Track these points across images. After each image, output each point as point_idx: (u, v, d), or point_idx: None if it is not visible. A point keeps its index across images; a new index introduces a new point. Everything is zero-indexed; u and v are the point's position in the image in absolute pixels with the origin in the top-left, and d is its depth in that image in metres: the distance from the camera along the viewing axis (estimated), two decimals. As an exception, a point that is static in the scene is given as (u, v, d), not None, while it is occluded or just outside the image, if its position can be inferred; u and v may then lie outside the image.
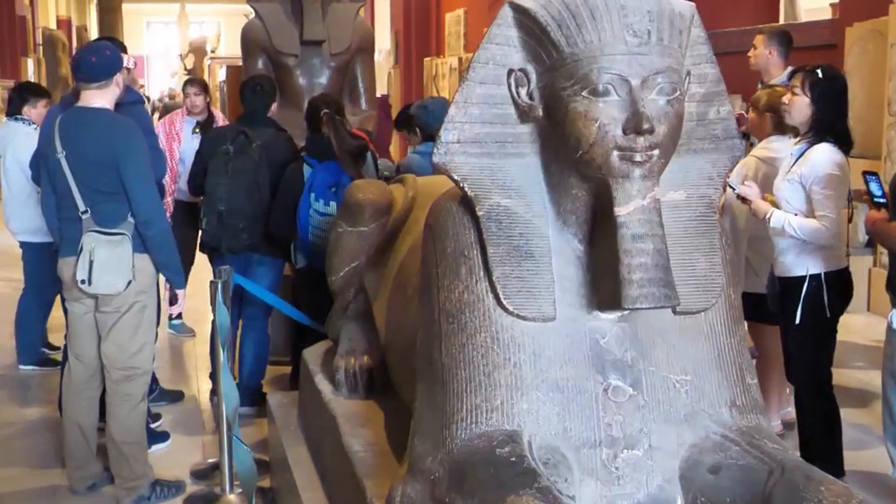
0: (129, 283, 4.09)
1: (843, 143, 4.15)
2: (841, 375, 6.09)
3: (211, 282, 4.23)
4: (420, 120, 5.53)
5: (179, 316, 6.87)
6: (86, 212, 4.06)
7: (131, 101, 4.83)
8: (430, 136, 5.13)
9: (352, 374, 3.47)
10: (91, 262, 4.03)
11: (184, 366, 6.49)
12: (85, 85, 4.15)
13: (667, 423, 2.33)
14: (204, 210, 5.28)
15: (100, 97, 4.13)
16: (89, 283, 4.06)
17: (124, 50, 4.92)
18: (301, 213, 5.07)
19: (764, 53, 6.06)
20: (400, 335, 3.02)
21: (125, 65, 4.38)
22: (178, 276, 4.35)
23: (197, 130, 6.57)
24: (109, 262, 4.05)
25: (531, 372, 2.29)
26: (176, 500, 4.34)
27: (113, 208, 4.08)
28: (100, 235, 4.05)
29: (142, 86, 10.51)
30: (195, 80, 7.47)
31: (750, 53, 6.14)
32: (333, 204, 5.01)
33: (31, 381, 6.08)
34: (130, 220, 4.10)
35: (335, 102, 5.47)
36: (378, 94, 8.78)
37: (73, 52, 22.36)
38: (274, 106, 5.59)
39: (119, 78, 4.19)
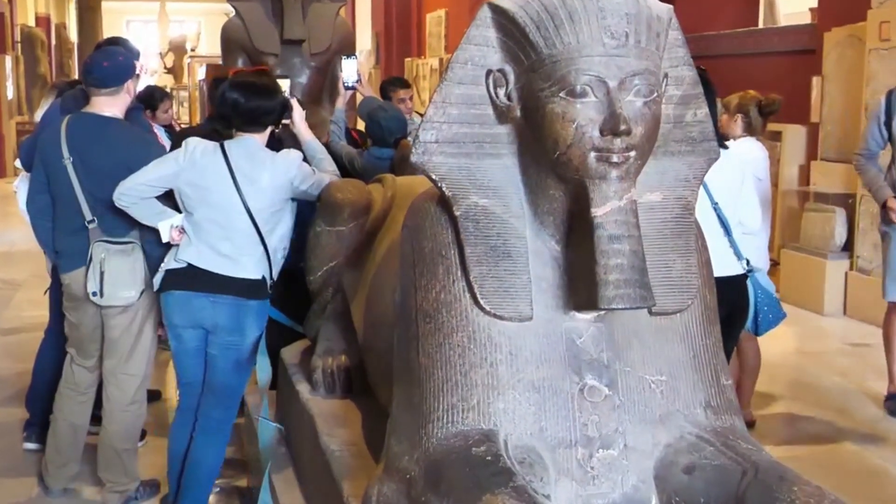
0: (143, 292, 3.99)
1: None
2: (818, 380, 6.14)
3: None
4: (371, 131, 5.56)
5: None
6: (92, 221, 3.93)
7: (129, 107, 4.75)
8: (380, 142, 5.37)
9: (329, 374, 3.48)
10: (102, 273, 3.91)
11: (159, 366, 6.44)
12: (95, 90, 4.02)
13: (642, 423, 2.34)
14: None
15: (110, 104, 4.01)
16: (101, 295, 3.93)
17: (136, 55, 4.83)
18: None
19: None
20: (378, 335, 3.02)
21: (137, 72, 4.27)
22: None
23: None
24: (121, 272, 3.93)
25: (508, 371, 2.29)
26: (153, 500, 4.31)
27: (120, 218, 3.94)
28: (110, 245, 3.93)
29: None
30: (167, 95, 7.37)
31: None
32: None
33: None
34: (137, 229, 3.99)
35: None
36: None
37: (52, 49, 22.17)
38: None
39: (130, 85, 4.09)
